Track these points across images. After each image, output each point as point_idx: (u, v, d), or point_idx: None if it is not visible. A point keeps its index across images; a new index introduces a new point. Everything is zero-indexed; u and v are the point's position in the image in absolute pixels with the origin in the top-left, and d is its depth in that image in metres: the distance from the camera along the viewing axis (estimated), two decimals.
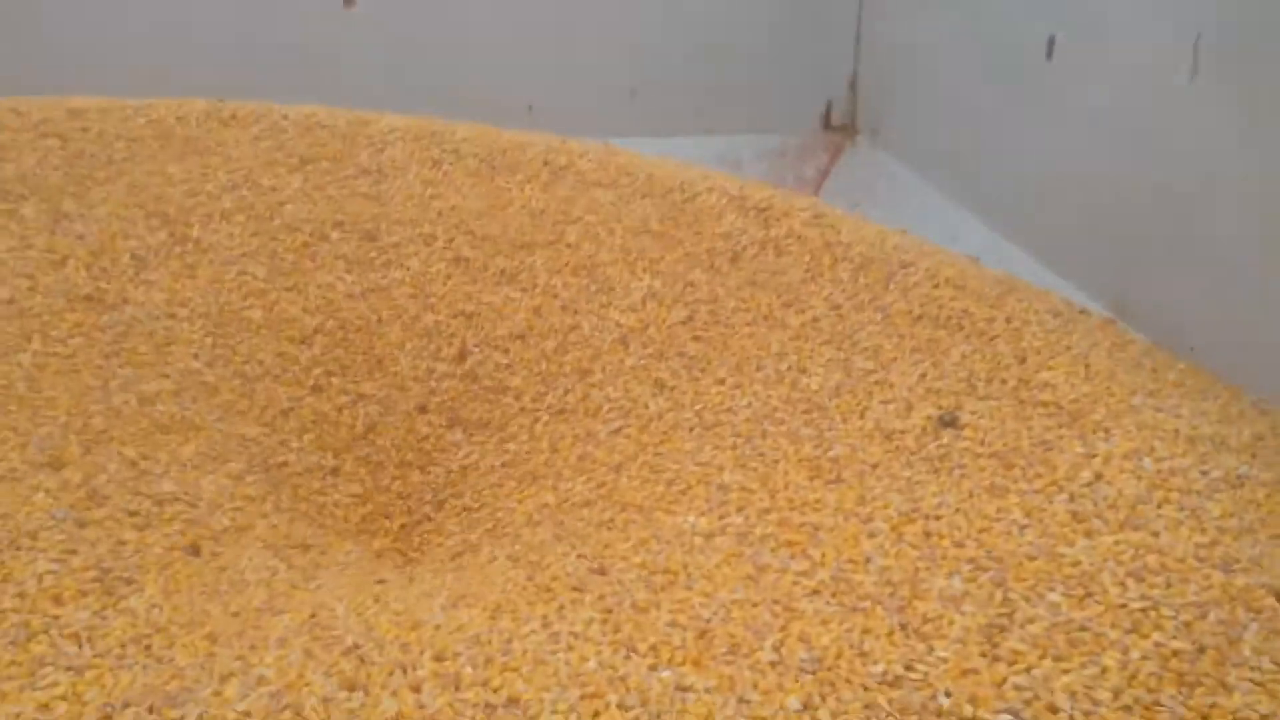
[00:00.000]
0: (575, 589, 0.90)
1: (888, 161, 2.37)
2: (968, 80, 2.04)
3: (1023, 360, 1.21)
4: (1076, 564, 0.88)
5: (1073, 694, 0.76)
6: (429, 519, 1.18)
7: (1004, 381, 1.16)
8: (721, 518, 0.99)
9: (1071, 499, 0.96)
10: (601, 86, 2.46)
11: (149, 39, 2.23)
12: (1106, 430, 1.07)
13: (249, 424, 1.21)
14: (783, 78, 2.50)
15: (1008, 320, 1.29)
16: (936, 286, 1.35)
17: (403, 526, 1.17)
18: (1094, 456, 1.02)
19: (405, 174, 1.58)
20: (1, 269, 1.27)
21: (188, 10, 2.22)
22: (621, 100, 2.46)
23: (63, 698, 0.72)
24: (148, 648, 0.79)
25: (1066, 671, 0.78)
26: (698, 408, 1.19)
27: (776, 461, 1.07)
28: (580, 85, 2.45)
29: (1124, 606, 0.83)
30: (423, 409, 1.27)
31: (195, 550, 0.96)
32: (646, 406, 1.22)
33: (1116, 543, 0.90)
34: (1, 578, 0.84)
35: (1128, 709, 0.75)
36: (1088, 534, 0.91)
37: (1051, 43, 1.78)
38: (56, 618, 0.81)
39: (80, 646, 0.78)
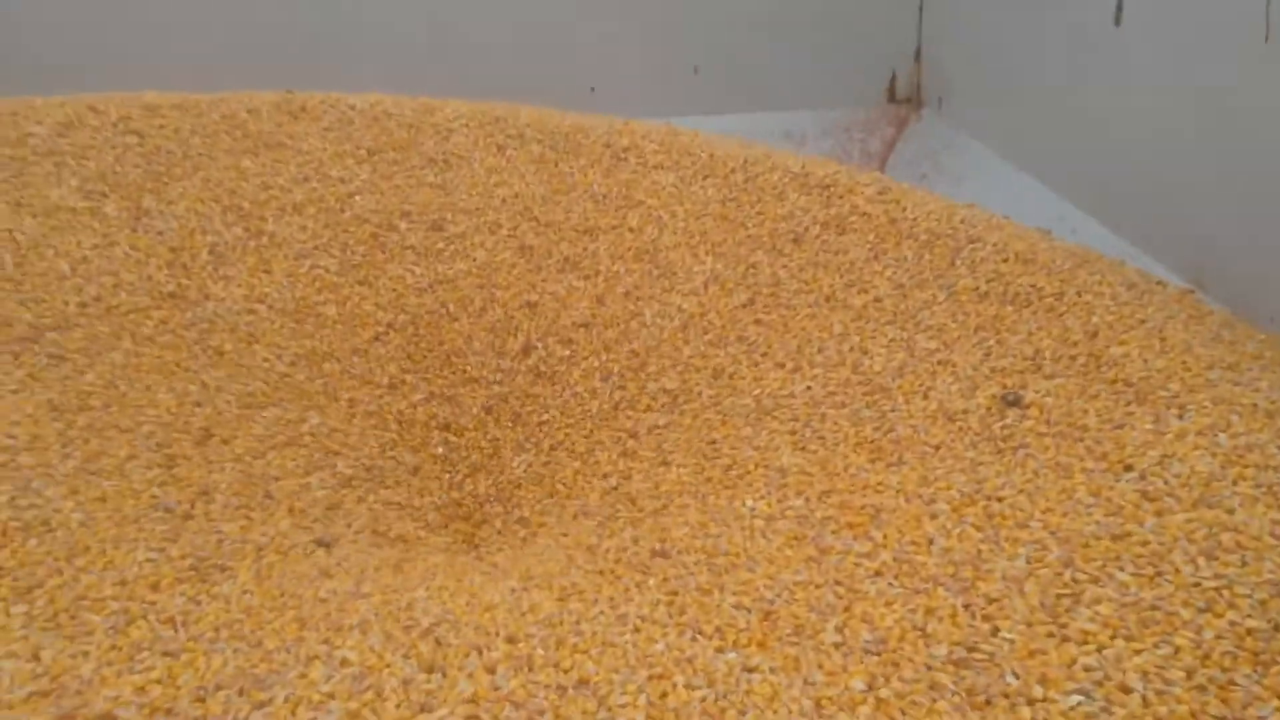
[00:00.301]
0: (639, 573, 0.92)
1: (954, 133, 2.33)
2: (1035, 48, 2.00)
3: (1093, 335, 1.18)
4: (1146, 543, 0.87)
5: (1145, 674, 0.75)
6: (499, 510, 1.21)
7: (1072, 358, 1.14)
8: (780, 501, 1.00)
9: (1141, 477, 0.95)
10: (664, 65, 2.45)
11: (218, 29, 2.28)
12: (1181, 406, 1.05)
13: (336, 422, 1.24)
14: (846, 51, 2.47)
15: (1078, 294, 1.26)
16: (1005, 261, 1.33)
17: (474, 517, 1.19)
18: (1166, 433, 1.00)
19: (470, 162, 1.61)
20: (87, 267, 1.32)
21: (255, 1, 2.27)
22: (684, 79, 2.46)
23: (158, 681, 0.76)
24: (239, 632, 0.82)
25: (1138, 652, 0.77)
26: (755, 393, 1.19)
27: (837, 444, 1.07)
28: (642, 65, 2.45)
29: (1197, 585, 0.82)
30: (488, 410, 1.29)
31: (322, 544, 1.00)
32: (702, 394, 1.22)
33: (1189, 520, 0.89)
34: (103, 566, 0.88)
35: (1201, 688, 0.74)
36: (1158, 513, 0.90)
37: (1120, 7, 1.73)
38: (154, 604, 0.85)
39: (175, 631, 0.82)
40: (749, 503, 1.01)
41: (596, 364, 1.33)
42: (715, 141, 1.69)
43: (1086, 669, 0.76)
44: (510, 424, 1.30)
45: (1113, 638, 0.78)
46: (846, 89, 2.49)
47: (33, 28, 2.20)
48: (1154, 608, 0.81)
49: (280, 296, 1.36)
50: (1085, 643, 0.78)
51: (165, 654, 0.79)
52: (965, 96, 2.33)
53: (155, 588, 0.87)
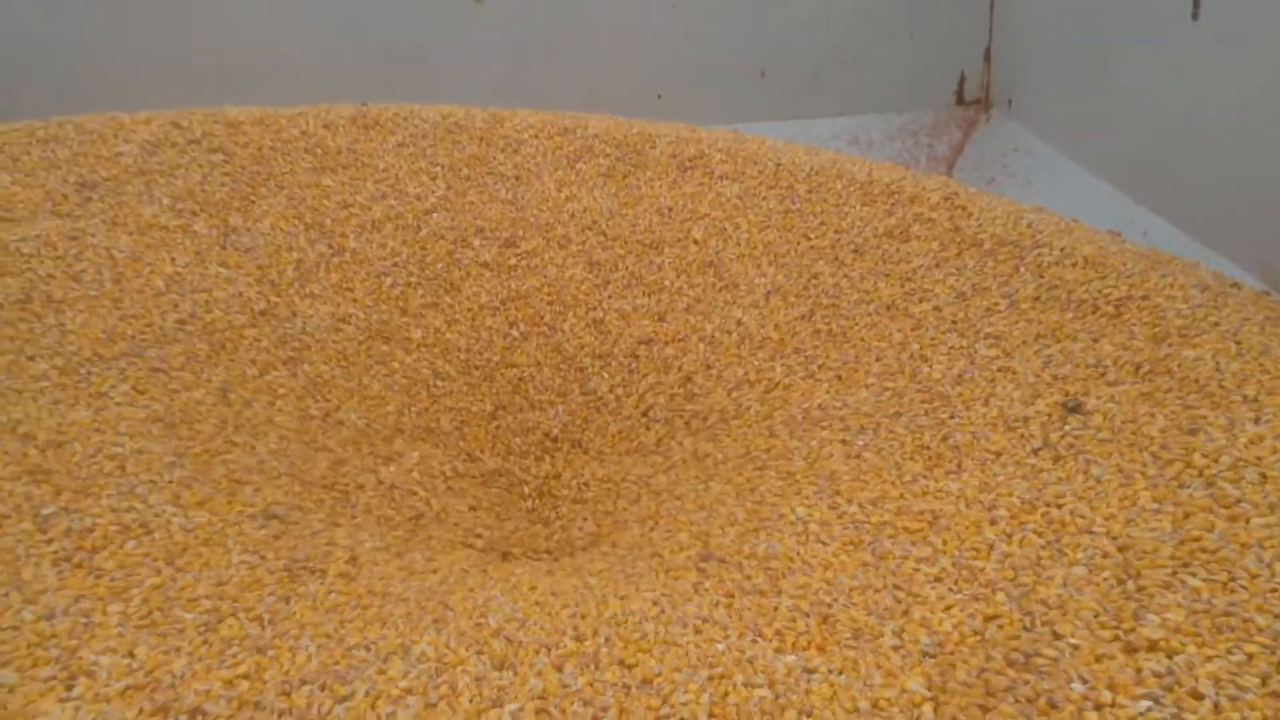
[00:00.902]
0: (696, 576, 0.94)
1: (1024, 135, 2.31)
2: (1107, 46, 1.97)
3: (1163, 339, 1.17)
4: (1216, 550, 0.86)
5: (1217, 680, 0.75)
6: (566, 521, 1.23)
7: (1138, 364, 1.13)
8: (833, 508, 1.01)
9: (1209, 484, 0.94)
10: (730, 72, 2.47)
11: (291, 43, 2.36)
12: (1257, 409, 1.03)
13: (426, 446, 1.27)
14: (914, 54, 2.46)
15: (1147, 297, 1.25)
16: (1074, 266, 1.32)
17: (543, 529, 1.22)
18: (1240, 438, 0.99)
19: (540, 176, 1.64)
20: (181, 284, 1.38)
21: (326, 12, 2.34)
22: (751, 85, 2.47)
23: (246, 676, 0.80)
24: (324, 630, 0.86)
25: (1210, 658, 0.77)
26: (805, 405, 1.20)
27: (892, 452, 1.08)
28: (709, 71, 2.47)
29: (1273, 591, 0.81)
30: (552, 437, 1.32)
31: (400, 551, 1.04)
32: (752, 408, 1.24)
33: (1265, 526, 0.88)
34: (199, 567, 0.93)
35: (1276, 695, 0.73)
36: (1231, 518, 0.89)
37: (1197, 4, 1.70)
38: (244, 603, 0.90)
39: (263, 629, 0.86)
40: (798, 510, 1.02)
41: (656, 381, 1.35)
42: (782, 149, 1.70)
43: (1155, 674, 0.76)
44: (575, 443, 1.32)
45: (1183, 644, 0.78)
46: (914, 92, 2.48)
47: (117, 45, 2.31)
48: (1227, 614, 0.80)
49: (364, 316, 1.41)
50: (1153, 649, 0.78)
51: (254, 650, 0.83)
52: (1035, 98, 2.30)
53: (247, 588, 0.92)
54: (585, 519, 1.19)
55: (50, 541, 0.90)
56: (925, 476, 1.03)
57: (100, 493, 0.97)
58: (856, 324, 1.30)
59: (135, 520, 0.94)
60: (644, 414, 1.30)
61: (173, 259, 1.43)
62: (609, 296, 1.44)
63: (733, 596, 0.90)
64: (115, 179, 1.61)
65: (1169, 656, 0.77)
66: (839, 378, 1.22)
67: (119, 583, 0.88)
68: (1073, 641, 0.79)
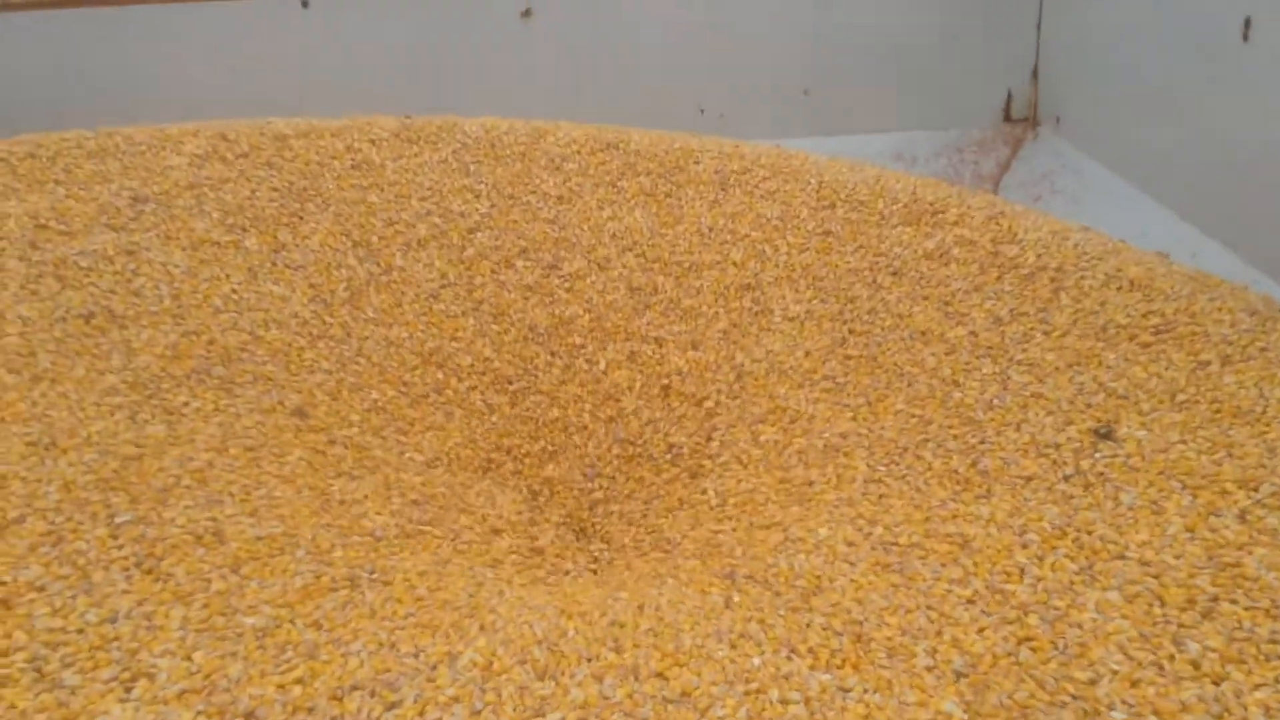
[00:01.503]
0: (729, 594, 0.96)
1: (1071, 153, 2.30)
2: (1157, 65, 1.96)
3: (1205, 365, 1.17)
4: (1257, 577, 0.86)
5: (1267, 708, 0.75)
6: (604, 543, 1.25)
7: (1174, 391, 1.13)
8: (859, 530, 1.02)
9: (1244, 513, 0.93)
10: (774, 86, 2.47)
11: (337, 53, 2.40)
12: None
13: (486, 482, 1.29)
14: (961, 71, 2.46)
15: (1193, 320, 1.25)
16: (1119, 289, 1.32)
17: (582, 551, 1.24)
18: None
19: (581, 195, 1.67)
20: (238, 303, 1.42)
21: (374, 26, 2.39)
22: (794, 99, 2.48)
23: (299, 681, 0.83)
24: (377, 637, 0.89)
25: (1259, 685, 0.77)
26: (827, 433, 1.20)
27: (919, 476, 1.09)
28: (752, 86, 2.47)
29: None
30: (593, 460, 1.33)
31: (447, 562, 1.07)
32: (778, 438, 1.23)
33: None
34: (265, 575, 0.96)
35: None
36: (1271, 545, 0.89)
37: (1248, 24, 1.69)
38: (303, 610, 0.93)
39: (319, 634, 0.89)
40: (821, 531, 1.03)
41: (687, 415, 1.34)
42: (825, 166, 1.71)
43: (1201, 700, 0.76)
44: (611, 474, 1.33)
45: (1227, 670, 0.78)
46: (960, 109, 2.47)
47: (170, 56, 2.37)
48: (1272, 641, 0.80)
49: (414, 339, 1.44)
50: (1196, 675, 0.78)
51: (307, 656, 0.86)
52: (1083, 115, 2.29)
53: (309, 596, 0.95)
54: (623, 545, 1.21)
55: (121, 547, 0.94)
56: (954, 501, 1.04)
57: (177, 503, 1.02)
58: (888, 349, 1.30)
59: (208, 530, 0.98)
60: (669, 450, 1.31)
61: (227, 276, 1.47)
62: (647, 324, 1.45)
63: (764, 613, 0.91)
64: (166, 193, 1.65)
65: (1215, 684, 0.77)
66: (868, 404, 1.23)
67: (184, 588, 0.92)
68: (1112, 665, 0.80)
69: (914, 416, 1.18)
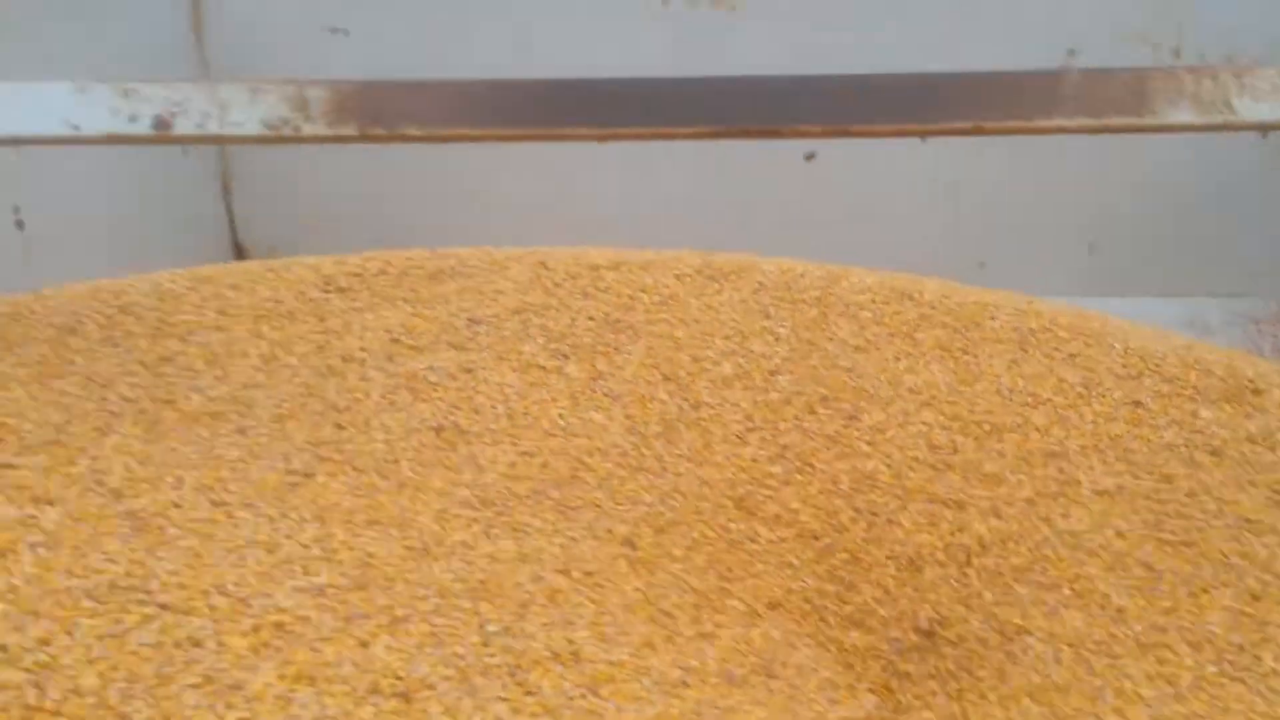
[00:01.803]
0: None
1: None
2: None
3: None
4: None
5: None
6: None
7: None
8: None
9: None
10: (1057, 242, 2.48)
11: (630, 194, 2.61)
12: None
13: (800, 638, 1.33)
14: (1259, 234, 2.38)
15: None
16: None
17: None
18: None
19: (879, 345, 1.73)
20: (566, 428, 1.56)
21: (665, 167, 2.58)
22: (1079, 257, 2.47)
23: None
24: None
25: None
26: (1138, 629, 1.16)
27: (1262, 677, 1.04)
28: (1035, 241, 2.49)
29: None
30: (899, 647, 1.33)
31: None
32: (1080, 628, 1.20)
33: None
34: (621, 699, 1.05)
35: None
36: None
37: None
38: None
39: None
40: None
41: (990, 597, 1.31)
42: (1130, 332, 1.69)
43: None
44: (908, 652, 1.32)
45: None
46: (1256, 275, 2.39)
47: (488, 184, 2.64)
48: None
49: (723, 480, 1.51)
50: None
51: None
52: None
53: None
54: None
55: (493, 655, 1.06)
56: None
57: (536, 618, 1.14)
58: (1209, 538, 1.26)
59: (566, 650, 1.09)
60: (970, 634, 1.29)
61: (554, 400, 1.63)
62: (944, 488, 1.46)
63: None
64: (497, 316, 1.84)
65: None
66: (1191, 594, 1.19)
67: (551, 701, 1.02)
68: None
69: (1246, 615, 1.14)
